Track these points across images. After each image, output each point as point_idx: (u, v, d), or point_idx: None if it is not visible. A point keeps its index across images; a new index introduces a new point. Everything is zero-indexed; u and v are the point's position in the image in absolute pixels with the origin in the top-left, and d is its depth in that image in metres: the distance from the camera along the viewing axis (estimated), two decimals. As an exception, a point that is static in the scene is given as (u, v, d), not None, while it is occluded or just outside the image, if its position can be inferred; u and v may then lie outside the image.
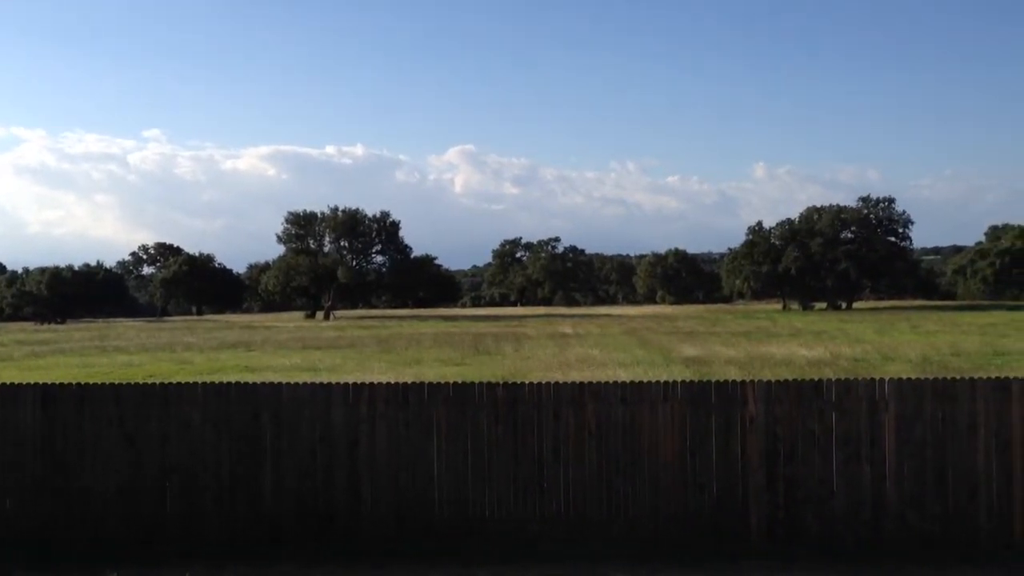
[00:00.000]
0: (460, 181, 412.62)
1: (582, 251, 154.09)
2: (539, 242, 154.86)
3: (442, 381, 9.37)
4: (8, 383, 9.53)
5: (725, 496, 8.77)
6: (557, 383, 9.14)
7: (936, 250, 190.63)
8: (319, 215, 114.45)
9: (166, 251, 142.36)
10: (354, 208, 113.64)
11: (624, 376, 21.62)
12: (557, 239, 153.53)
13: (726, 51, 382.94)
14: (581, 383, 9.18)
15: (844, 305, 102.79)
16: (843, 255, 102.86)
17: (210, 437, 9.11)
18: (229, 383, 9.36)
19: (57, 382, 9.57)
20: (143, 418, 9.13)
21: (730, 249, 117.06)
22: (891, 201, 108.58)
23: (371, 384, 9.26)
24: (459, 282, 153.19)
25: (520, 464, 8.91)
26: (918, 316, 69.12)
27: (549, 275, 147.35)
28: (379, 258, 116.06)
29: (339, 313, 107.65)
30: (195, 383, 9.38)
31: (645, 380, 9.26)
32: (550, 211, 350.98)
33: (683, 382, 9.01)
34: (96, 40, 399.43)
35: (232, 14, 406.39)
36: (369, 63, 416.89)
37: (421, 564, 8.63)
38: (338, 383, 9.31)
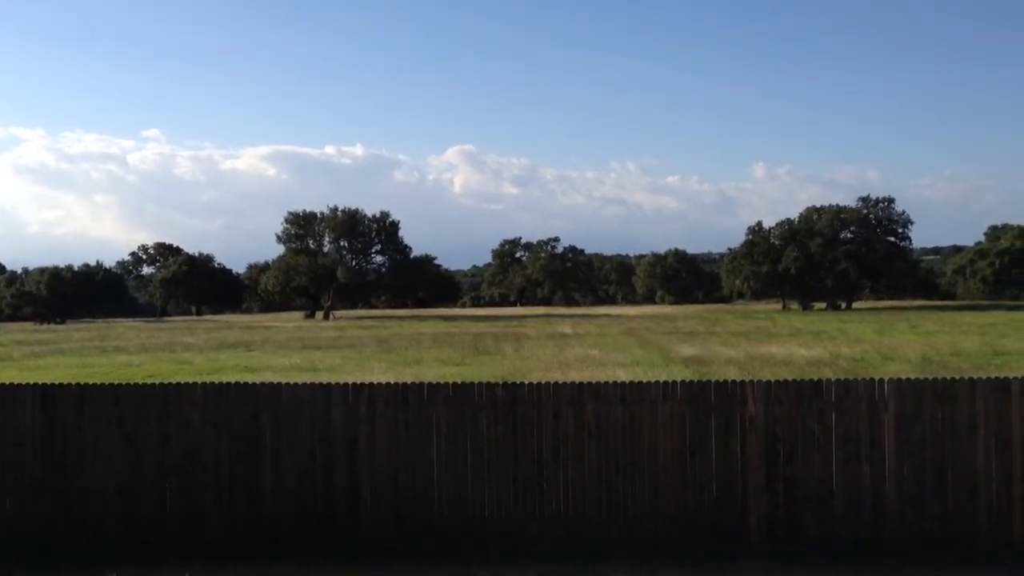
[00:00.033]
0: (460, 181, 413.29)
1: (582, 251, 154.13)
2: (539, 242, 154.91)
3: (442, 381, 9.37)
4: (7, 383, 9.53)
5: (725, 496, 8.77)
6: (557, 383, 9.14)
7: (936, 250, 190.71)
8: (319, 215, 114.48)
9: (166, 251, 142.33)
10: (353, 208, 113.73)
11: (623, 376, 21.62)
12: (557, 239, 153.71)
13: (726, 51, 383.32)
14: (581, 383, 9.17)
15: (844, 305, 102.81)
16: (843, 255, 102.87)
17: (210, 437, 9.11)
18: (229, 383, 9.36)
19: (57, 382, 9.56)
20: (143, 418, 9.12)
21: (730, 249, 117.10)
22: (891, 201, 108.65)
23: (371, 384, 9.26)
24: (459, 282, 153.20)
25: (520, 464, 8.91)
26: (918, 316, 69.14)
27: (549, 275, 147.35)
28: (379, 258, 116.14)
29: (339, 313, 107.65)
30: (195, 383, 9.38)
31: (644, 380, 9.26)
32: (550, 211, 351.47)
33: (683, 382, 9.01)
34: (95, 40, 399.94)
35: (231, 14, 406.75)
36: (368, 63, 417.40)
37: (421, 564, 8.63)
38: (338, 383, 9.31)
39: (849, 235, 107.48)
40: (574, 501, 8.87)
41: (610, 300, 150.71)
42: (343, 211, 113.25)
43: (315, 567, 8.67)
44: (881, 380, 8.88)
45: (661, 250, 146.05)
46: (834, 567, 8.36)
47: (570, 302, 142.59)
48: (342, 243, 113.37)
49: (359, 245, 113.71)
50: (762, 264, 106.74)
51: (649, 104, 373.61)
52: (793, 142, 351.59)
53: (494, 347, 37.98)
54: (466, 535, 8.89)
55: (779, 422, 8.71)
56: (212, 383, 9.37)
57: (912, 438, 8.62)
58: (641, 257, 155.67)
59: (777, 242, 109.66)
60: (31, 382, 9.55)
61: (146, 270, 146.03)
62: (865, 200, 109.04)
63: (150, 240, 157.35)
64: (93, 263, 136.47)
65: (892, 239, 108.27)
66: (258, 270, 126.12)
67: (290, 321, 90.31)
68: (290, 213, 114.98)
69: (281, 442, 9.06)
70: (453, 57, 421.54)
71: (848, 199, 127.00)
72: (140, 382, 9.83)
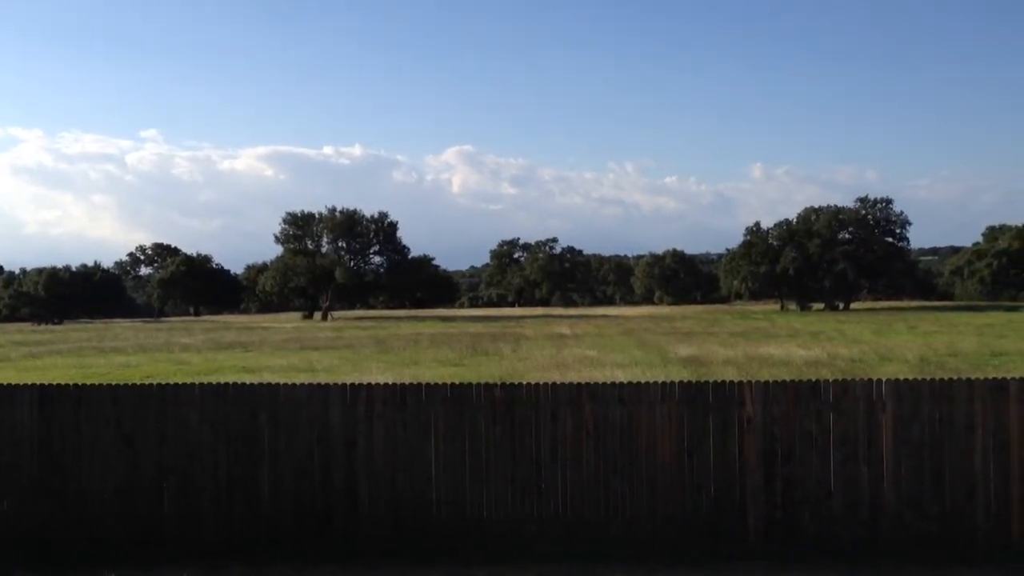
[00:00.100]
0: (458, 181, 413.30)
1: (580, 251, 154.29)
2: (537, 243, 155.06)
3: (440, 382, 9.37)
4: (5, 384, 9.51)
5: (723, 496, 8.77)
6: (555, 384, 9.14)
7: (934, 251, 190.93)
8: (317, 215, 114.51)
9: (163, 251, 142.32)
10: (352, 208, 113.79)
11: (622, 376, 21.62)
12: (555, 239, 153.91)
13: (724, 52, 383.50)
14: (579, 384, 9.17)
15: (842, 306, 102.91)
16: (841, 256, 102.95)
17: (207, 438, 9.11)
18: (226, 384, 9.36)
19: (54, 383, 9.56)
20: (140, 419, 9.12)
21: (728, 250, 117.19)
22: (889, 202, 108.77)
23: (369, 385, 9.26)
24: (457, 283, 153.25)
25: (518, 465, 8.90)
26: (915, 317, 69.21)
27: (547, 276, 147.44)
28: (377, 258, 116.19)
29: (337, 314, 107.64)
30: (192, 384, 9.37)
31: (643, 381, 9.26)
32: (548, 211, 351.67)
33: (681, 382, 9.01)
34: (94, 40, 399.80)
35: (230, 15, 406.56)
36: (367, 63, 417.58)
37: (419, 565, 8.62)
38: (336, 384, 9.31)
39: (847, 236, 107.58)
40: (572, 502, 8.87)
41: (608, 300, 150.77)
42: (341, 211, 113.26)
43: (313, 568, 8.66)
44: (879, 381, 8.89)
45: (659, 250, 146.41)
46: (832, 567, 8.36)
47: (568, 303, 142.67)
48: (340, 244, 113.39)
49: (357, 246, 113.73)
50: (760, 265, 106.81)
51: (647, 104, 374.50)
52: (791, 142, 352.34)
53: (492, 348, 37.97)
54: (464, 536, 8.89)
55: (777, 422, 8.71)
56: (210, 384, 9.36)
57: (910, 439, 8.63)
58: (639, 258, 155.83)
59: (775, 243, 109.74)
60: (29, 383, 9.54)
61: (144, 270, 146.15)
62: (863, 201, 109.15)
63: (148, 240, 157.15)
64: (91, 263, 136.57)
65: (890, 240, 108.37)
66: (256, 271, 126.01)
67: (288, 322, 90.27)
68: (288, 214, 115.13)
69: (279, 443, 9.06)
70: (451, 57, 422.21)
71: (846, 200, 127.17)
72: (138, 383, 9.83)
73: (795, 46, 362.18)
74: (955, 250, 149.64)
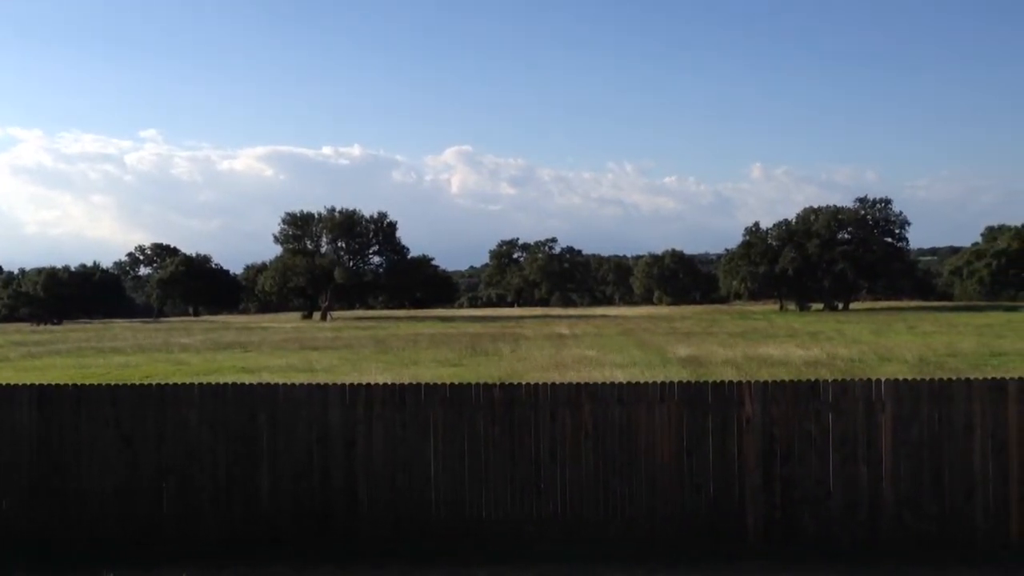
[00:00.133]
0: (457, 181, 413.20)
1: (579, 252, 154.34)
2: (536, 243, 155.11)
3: (439, 382, 9.37)
4: (4, 384, 9.51)
5: (722, 496, 8.78)
6: (554, 384, 9.14)
7: (933, 251, 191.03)
8: (316, 216, 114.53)
9: (163, 252, 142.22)
10: (351, 209, 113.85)
11: (621, 377, 21.62)
12: (554, 240, 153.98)
13: (723, 52, 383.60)
14: (578, 384, 9.18)
15: (841, 306, 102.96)
16: (840, 256, 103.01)
17: (207, 438, 9.11)
18: (226, 384, 9.36)
19: (53, 383, 9.56)
20: (139, 419, 9.12)
21: (727, 250, 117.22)
22: (888, 202, 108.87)
23: (368, 385, 9.26)
24: (456, 283, 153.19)
25: (517, 465, 8.91)
26: (915, 317, 69.23)
27: (546, 276, 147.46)
28: (376, 259, 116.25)
29: (336, 314, 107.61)
30: (192, 384, 9.37)
31: (642, 381, 9.27)
32: (547, 212, 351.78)
33: (680, 383, 9.01)
34: (93, 40, 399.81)
35: (229, 15, 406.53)
36: (366, 64, 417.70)
37: (418, 565, 8.62)
38: (335, 384, 9.30)
39: (846, 236, 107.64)
40: (571, 502, 8.87)
41: (607, 301, 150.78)
42: (340, 212, 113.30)
43: (312, 568, 8.66)
44: (878, 381, 8.89)
45: (658, 251, 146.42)
46: (831, 568, 8.36)
47: (567, 303, 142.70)
48: (339, 244, 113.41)
49: (356, 246, 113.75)
50: (759, 265, 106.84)
51: (646, 105, 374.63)
52: (790, 143, 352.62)
53: (491, 348, 37.97)
54: (463, 536, 8.89)
55: (776, 423, 8.72)
56: (209, 384, 9.36)
57: (909, 439, 8.63)
58: (638, 258, 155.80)
59: (774, 243, 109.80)
60: (28, 383, 9.54)
61: (143, 271, 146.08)
62: (862, 201, 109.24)
63: (147, 240, 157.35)
64: (90, 263, 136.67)
65: (889, 240, 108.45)
66: (255, 271, 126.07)
67: (287, 322, 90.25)
68: (287, 214, 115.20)
69: (278, 443, 9.06)
70: (450, 58, 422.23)
71: (845, 200, 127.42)
72: (137, 383, 9.82)
73: (794, 46, 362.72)
74: (954, 250, 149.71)
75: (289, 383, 9.41)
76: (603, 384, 9.12)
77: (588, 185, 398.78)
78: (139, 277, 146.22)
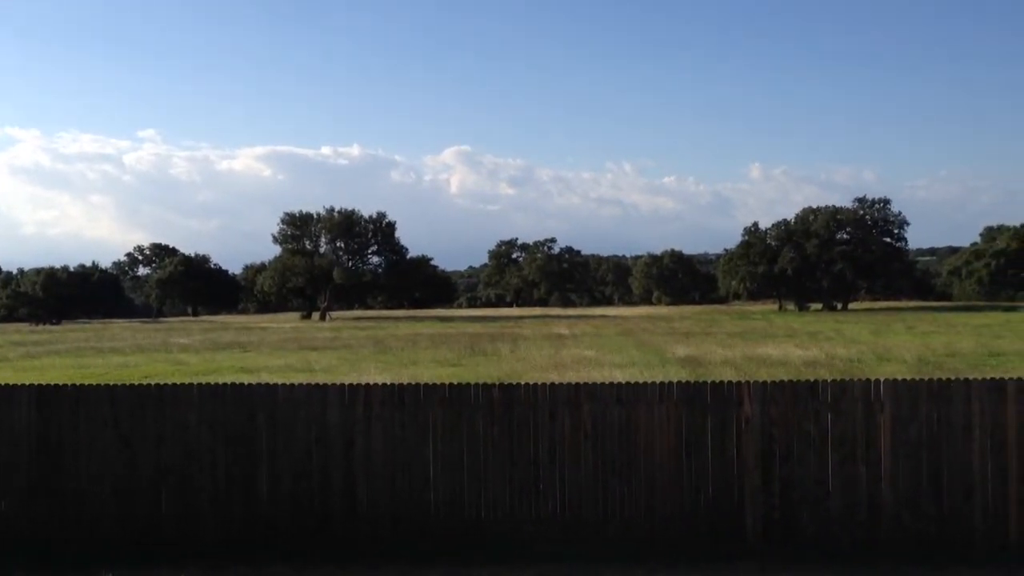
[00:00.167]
0: (456, 182, 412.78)
1: (578, 252, 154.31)
2: (535, 243, 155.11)
3: (438, 382, 9.37)
4: (3, 384, 9.51)
5: (721, 497, 8.78)
6: (553, 384, 9.14)
7: (932, 251, 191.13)
8: (315, 216, 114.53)
9: (161, 252, 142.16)
10: (350, 209, 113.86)
11: (620, 377, 21.63)
12: (553, 240, 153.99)
13: (722, 52, 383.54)
14: (577, 384, 9.18)
15: (840, 306, 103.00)
16: (839, 256, 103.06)
17: (206, 438, 9.10)
18: (225, 384, 9.35)
19: (53, 383, 9.55)
20: (138, 419, 9.11)
21: (726, 250, 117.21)
22: (887, 202, 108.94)
23: (367, 385, 9.26)
24: (455, 283, 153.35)
25: (516, 465, 8.91)
26: (913, 317, 69.26)
27: (545, 276, 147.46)
28: (375, 259, 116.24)
29: (335, 314, 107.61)
30: (190, 384, 9.37)
31: (641, 381, 9.27)
32: (546, 212, 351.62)
33: (679, 383, 9.02)
34: (91, 40, 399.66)
35: (228, 15, 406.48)
36: (365, 64, 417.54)
37: (417, 565, 8.62)
38: (334, 384, 9.30)
39: (845, 236, 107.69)
40: (570, 502, 8.87)
41: (606, 301, 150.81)
42: (339, 212, 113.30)
43: (312, 568, 8.66)
44: (877, 381, 8.89)
45: (657, 251, 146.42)
46: (830, 568, 8.37)
47: (566, 303, 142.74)
48: (338, 244, 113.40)
49: (355, 246, 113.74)
50: (758, 265, 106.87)
51: (645, 104, 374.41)
52: (789, 143, 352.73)
53: (490, 348, 37.97)
54: (462, 536, 8.89)
55: (775, 423, 8.72)
56: (208, 384, 9.36)
57: (908, 439, 8.64)
58: (637, 258, 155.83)
59: (773, 243, 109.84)
60: (27, 383, 9.54)
61: (142, 271, 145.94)
62: (861, 201, 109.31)
63: (146, 241, 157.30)
64: (89, 264, 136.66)
65: (888, 240, 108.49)
66: (254, 271, 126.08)
67: (286, 322, 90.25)
68: (286, 214, 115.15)
69: (277, 443, 9.06)
70: (450, 58, 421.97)
71: (844, 200, 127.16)
72: (136, 383, 9.82)
73: (794, 46, 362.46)
74: (953, 250, 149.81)
75: (288, 383, 9.40)
76: (602, 384, 9.13)
77: (587, 185, 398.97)
78: (138, 277, 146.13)
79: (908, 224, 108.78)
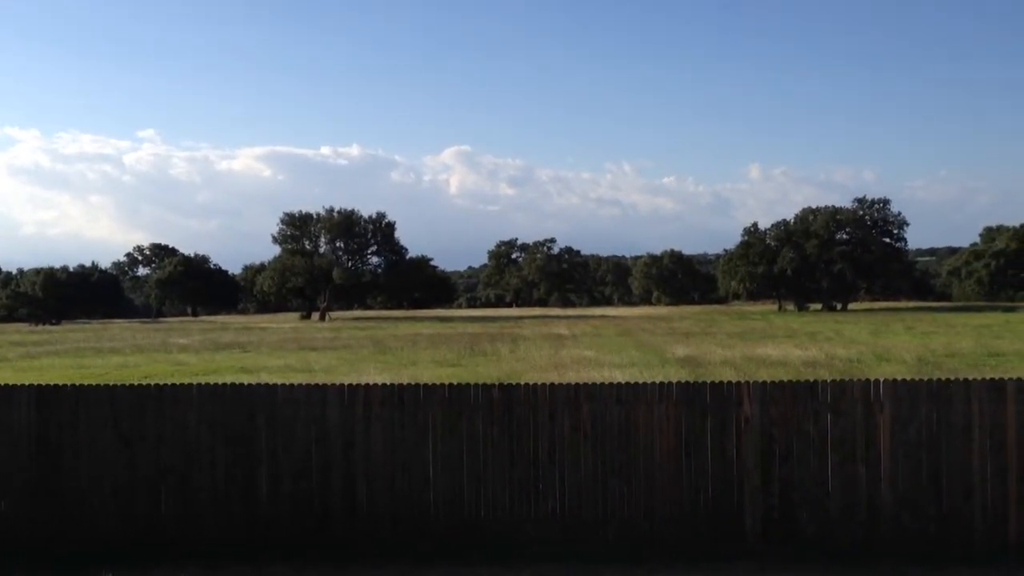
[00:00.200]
0: (456, 182, 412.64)
1: (578, 252, 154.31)
2: (535, 243, 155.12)
3: (437, 382, 9.37)
4: (3, 384, 9.51)
5: (720, 497, 8.78)
6: (552, 384, 9.14)
7: (931, 251, 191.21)
8: (315, 216, 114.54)
9: (161, 252, 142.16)
10: (350, 209, 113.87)
11: (619, 377, 21.62)
12: (553, 240, 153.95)
13: (722, 52, 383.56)
14: (576, 384, 9.18)
15: (839, 306, 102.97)
16: (838, 256, 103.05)
17: (205, 438, 9.10)
18: (224, 384, 9.35)
19: (52, 383, 9.55)
20: (138, 419, 9.11)
21: (726, 250, 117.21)
22: (886, 202, 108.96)
23: (366, 385, 9.26)
24: (455, 283, 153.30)
25: (515, 465, 8.91)
26: (913, 317, 69.25)
27: (545, 276, 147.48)
28: (375, 259, 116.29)
29: (334, 314, 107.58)
30: (190, 384, 9.37)
31: (640, 381, 9.27)
32: (546, 212, 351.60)
33: (678, 383, 9.02)
34: (91, 41, 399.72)
35: (227, 15, 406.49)
36: (365, 64, 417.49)
37: (417, 565, 8.63)
38: (333, 384, 9.31)
39: (845, 236, 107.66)
40: (570, 502, 8.87)
41: (606, 301, 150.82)
42: (339, 212, 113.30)
43: (312, 568, 8.67)
44: (876, 381, 8.89)
45: (657, 251, 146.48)
46: (830, 568, 8.37)
47: (566, 303, 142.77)
48: (338, 244, 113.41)
49: (355, 246, 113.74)
50: (758, 265, 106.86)
51: (644, 105, 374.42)
52: (789, 143, 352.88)
53: (490, 348, 37.96)
54: (462, 536, 8.89)
55: (775, 423, 8.72)
56: (207, 384, 9.36)
57: (907, 439, 8.64)
58: (637, 258, 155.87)
59: (773, 243, 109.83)
60: (27, 383, 9.54)
61: (142, 271, 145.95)
62: (861, 201, 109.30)
63: (146, 241, 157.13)
64: (88, 264, 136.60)
65: (888, 240, 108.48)
66: (254, 271, 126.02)
67: (286, 322, 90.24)
68: (286, 214, 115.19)
69: (277, 443, 9.06)
70: (449, 58, 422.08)
71: (844, 200, 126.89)
72: (136, 383, 9.82)
73: (793, 46, 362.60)
74: (952, 251, 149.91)
75: (288, 383, 9.41)
76: (602, 384, 9.13)
77: (587, 185, 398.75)
78: (137, 277, 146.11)
79: (907, 224, 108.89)
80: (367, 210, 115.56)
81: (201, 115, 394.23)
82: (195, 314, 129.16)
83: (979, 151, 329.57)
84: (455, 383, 9.23)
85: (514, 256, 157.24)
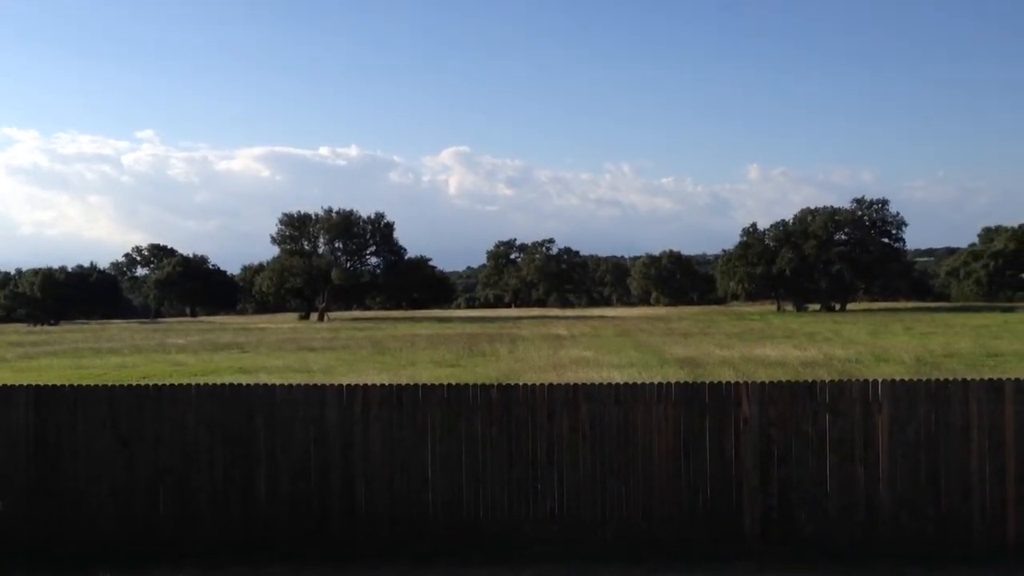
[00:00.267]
0: (454, 182, 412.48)
1: (576, 252, 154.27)
2: (533, 243, 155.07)
3: (436, 383, 9.37)
4: (1, 385, 9.50)
5: (719, 497, 8.78)
6: (551, 385, 9.14)
7: (929, 252, 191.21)
8: (313, 216, 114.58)
9: (160, 252, 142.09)
10: (348, 209, 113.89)
11: (618, 377, 21.62)
12: (551, 240, 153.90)
13: (721, 52, 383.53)
14: (575, 384, 9.18)
15: (838, 307, 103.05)
16: (837, 257, 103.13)
17: (204, 439, 9.10)
18: (223, 385, 9.35)
19: (51, 384, 9.55)
20: (136, 420, 9.11)
21: (724, 251, 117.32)
22: (885, 203, 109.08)
23: (365, 386, 9.25)
24: (453, 283, 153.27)
25: (514, 466, 8.91)
26: (911, 318, 69.29)
27: (543, 276, 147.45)
28: (373, 259, 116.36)
29: (333, 315, 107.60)
30: (189, 385, 9.36)
31: (639, 381, 9.27)
32: (544, 212, 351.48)
33: (677, 383, 9.02)
34: (90, 41, 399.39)
35: (227, 15, 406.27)
36: (363, 64, 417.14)
37: (416, 566, 8.62)
38: (332, 384, 9.30)
39: (843, 237, 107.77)
40: (569, 502, 8.87)
41: (605, 301, 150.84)
42: (338, 212, 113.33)
43: (310, 568, 8.66)
44: (875, 381, 8.90)
45: (656, 251, 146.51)
46: (829, 568, 8.37)
47: (565, 303, 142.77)
48: (337, 244, 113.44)
49: (354, 246, 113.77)
50: (756, 266, 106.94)
51: (644, 105, 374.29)
52: (787, 143, 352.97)
53: (489, 349, 37.97)
54: (461, 536, 8.89)
55: (773, 423, 8.72)
56: (206, 384, 9.35)
57: (906, 439, 8.64)
58: (636, 258, 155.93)
59: (771, 244, 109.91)
60: (25, 383, 9.53)
61: (140, 271, 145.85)
62: (859, 202, 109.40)
63: (144, 241, 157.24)
64: (87, 264, 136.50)
65: (886, 241, 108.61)
66: (252, 271, 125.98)
67: (284, 322, 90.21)
68: (285, 214, 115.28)
69: (275, 444, 9.05)
70: (448, 58, 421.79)
71: (842, 200, 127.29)
72: (134, 384, 9.81)
73: (793, 47, 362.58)
74: (951, 251, 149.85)
75: (286, 384, 9.40)
76: (600, 385, 9.13)
77: (585, 186, 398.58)
78: (136, 278, 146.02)
79: (906, 225, 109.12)
80: (366, 210, 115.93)
81: (200, 115, 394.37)
82: (194, 314, 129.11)
83: (978, 151, 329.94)
84: (454, 383, 9.23)
85: (513, 256, 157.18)
